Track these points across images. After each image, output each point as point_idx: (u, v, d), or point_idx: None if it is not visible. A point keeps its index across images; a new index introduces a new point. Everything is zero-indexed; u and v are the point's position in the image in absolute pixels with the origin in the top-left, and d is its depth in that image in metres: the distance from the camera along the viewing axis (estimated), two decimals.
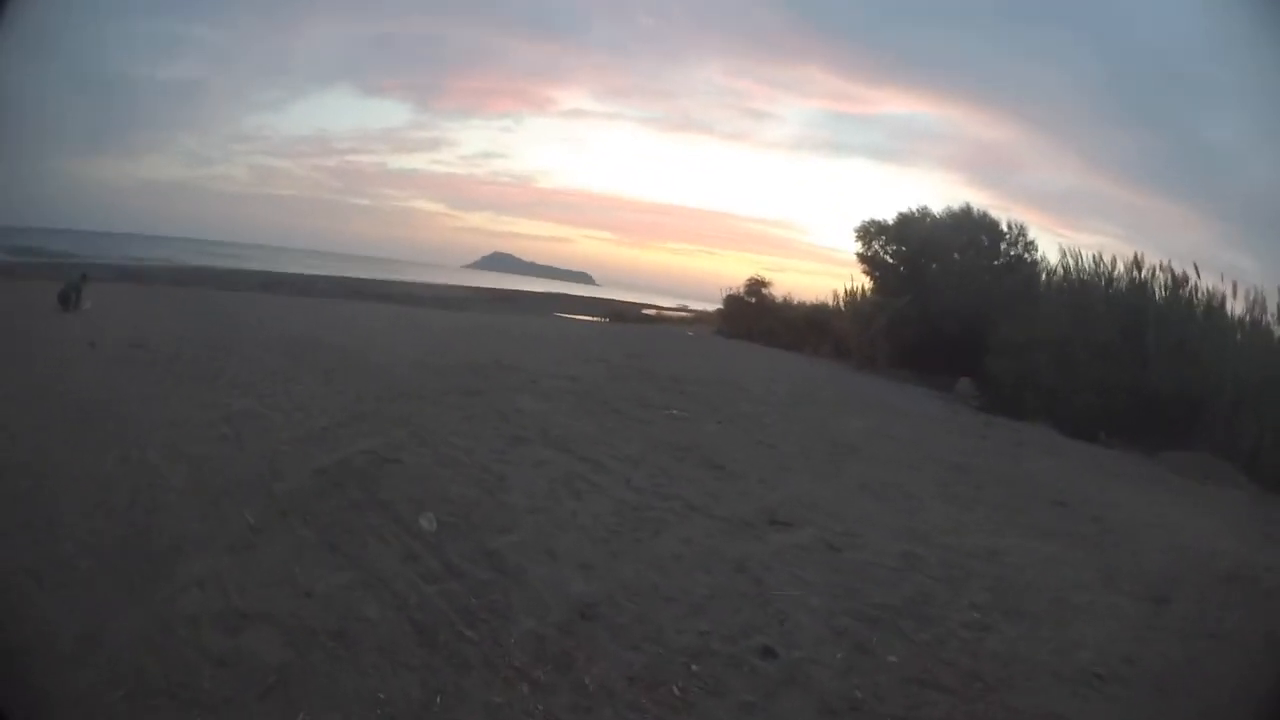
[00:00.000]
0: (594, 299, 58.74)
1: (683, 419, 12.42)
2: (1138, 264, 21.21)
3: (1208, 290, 19.49)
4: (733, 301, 34.15)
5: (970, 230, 26.78)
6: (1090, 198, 46.23)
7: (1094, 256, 22.73)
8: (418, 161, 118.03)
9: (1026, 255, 26.32)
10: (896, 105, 73.23)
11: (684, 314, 47.38)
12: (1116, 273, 21.85)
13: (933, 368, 23.33)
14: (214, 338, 15.21)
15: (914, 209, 28.58)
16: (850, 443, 12.22)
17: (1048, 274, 24.87)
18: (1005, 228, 26.67)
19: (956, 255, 26.42)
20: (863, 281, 29.68)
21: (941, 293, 24.51)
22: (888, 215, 29.04)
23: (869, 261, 29.19)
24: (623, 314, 45.22)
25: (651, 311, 48.95)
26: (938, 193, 66.02)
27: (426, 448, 9.00)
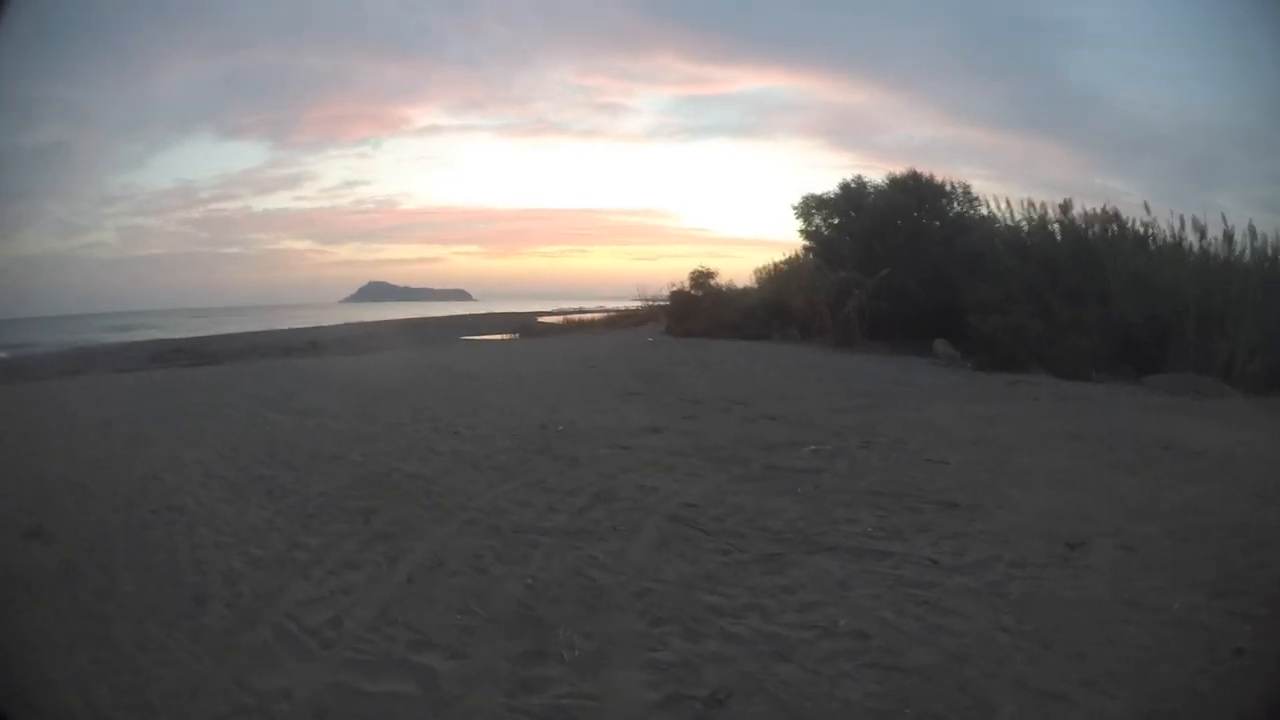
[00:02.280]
0: (490, 314, 56.82)
1: (833, 453, 10.68)
2: (1064, 207, 22.56)
3: (1140, 223, 20.95)
4: (679, 298, 32.83)
5: (919, 195, 26.64)
6: (954, 145, 48.77)
7: (1023, 203, 24.16)
8: (281, 200, 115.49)
9: (972, 212, 26.56)
10: (750, 82, 73.94)
11: (599, 316, 45.27)
12: (1048, 216, 23.15)
13: (900, 336, 23.66)
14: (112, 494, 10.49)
15: (850, 180, 28.30)
16: (988, 438, 11.63)
17: (994, 227, 25.21)
18: (949, 188, 26.72)
19: (911, 221, 26.18)
20: (802, 258, 30.21)
21: (906, 261, 24.61)
22: (808, 189, 29.00)
23: (812, 237, 29.12)
24: (530, 327, 43.94)
25: (558, 319, 46.70)
26: (799, 160, 65.27)
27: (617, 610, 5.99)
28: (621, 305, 56.93)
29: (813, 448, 10.75)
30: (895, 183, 26.91)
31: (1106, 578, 6.14)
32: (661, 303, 35.69)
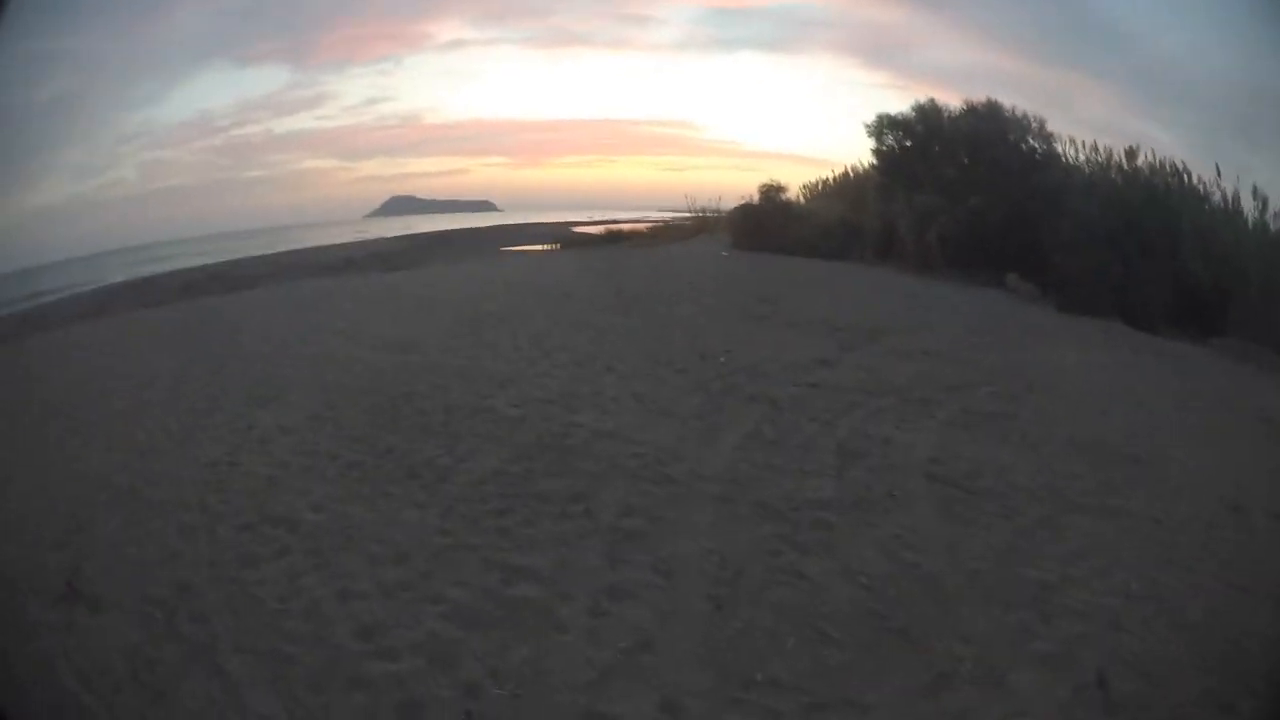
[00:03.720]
0: (521, 225, 54.24)
1: (1011, 396, 10.35)
2: (1130, 154, 21.30)
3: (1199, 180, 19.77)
4: (750, 211, 29.32)
5: (1000, 124, 24.33)
6: (989, 71, 42.78)
7: (1091, 146, 22.66)
8: (302, 121, 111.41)
9: (1045, 148, 24.15)
10: None
11: (638, 228, 42.97)
12: (1117, 162, 21.92)
13: (969, 265, 22.38)
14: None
15: (924, 101, 25.76)
16: (1136, 392, 11.20)
17: (1070, 167, 23.49)
18: (1030, 122, 24.28)
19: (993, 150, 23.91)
20: (869, 177, 27.21)
21: (985, 190, 22.75)
22: (885, 108, 26.17)
23: (884, 157, 26.32)
24: (568, 238, 40.17)
25: (594, 230, 44.33)
26: (830, 77, 62.50)
27: None
28: (656, 216, 54.80)
29: (987, 389, 10.27)
30: (972, 110, 24.64)
31: None
32: (711, 214, 33.03)
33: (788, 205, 29.22)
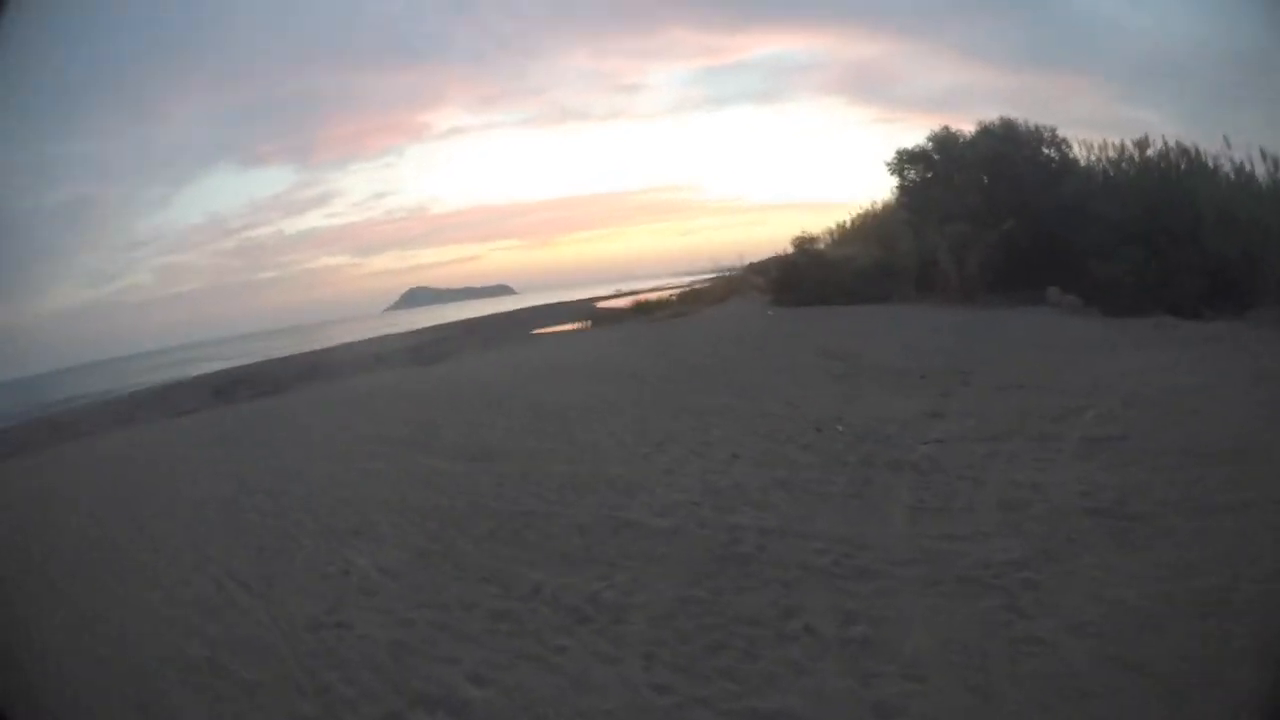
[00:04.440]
0: (543, 306, 53.49)
1: (1109, 417, 9.94)
2: (1141, 146, 21.64)
3: (1209, 157, 19.97)
4: (783, 265, 29.59)
5: (1014, 142, 24.83)
6: (973, 89, 45.85)
7: (1098, 144, 23.11)
8: (312, 220, 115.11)
9: (1059, 156, 24.72)
10: (765, 47, 70.29)
11: (663, 295, 41.74)
12: (1130, 155, 22.13)
13: (1007, 286, 22.63)
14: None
15: (938, 130, 26.43)
16: (1212, 388, 10.69)
17: (1085, 170, 23.76)
18: (1041, 133, 24.90)
19: (1013, 169, 24.35)
20: (893, 214, 28.26)
21: (1013, 210, 23.09)
22: (879, 142, 27.71)
23: (908, 191, 27.15)
24: (597, 314, 39.32)
25: (619, 303, 42.95)
26: (823, 119, 64.18)
27: None
28: (674, 281, 53.69)
29: (1090, 413, 10.00)
30: (987, 131, 25.05)
31: None
32: (733, 272, 34.29)
33: (820, 255, 28.96)
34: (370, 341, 41.16)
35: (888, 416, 10.65)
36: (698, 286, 39.34)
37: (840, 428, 10.34)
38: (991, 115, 25.15)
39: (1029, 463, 8.37)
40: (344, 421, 15.81)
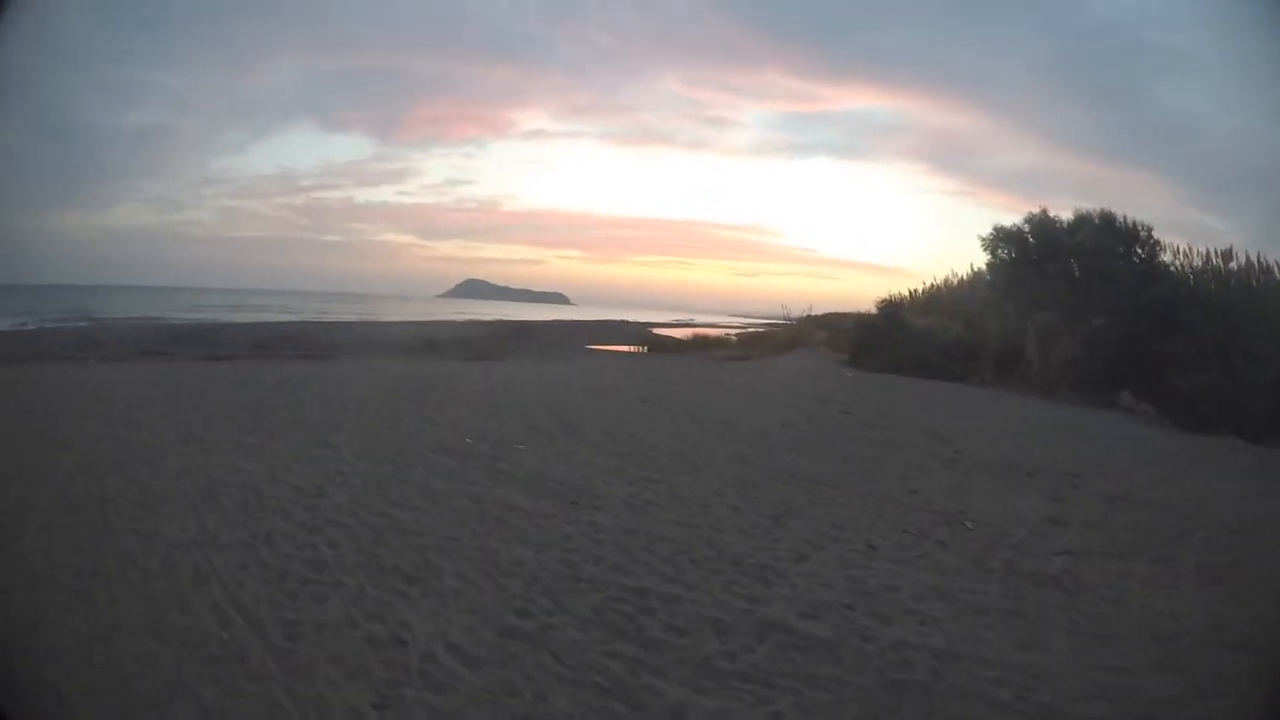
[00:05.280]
0: (597, 322, 51.86)
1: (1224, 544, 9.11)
2: (1225, 256, 21.46)
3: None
4: (868, 328, 28.37)
5: (1114, 237, 24.01)
6: (1053, 174, 46.73)
7: (1183, 250, 22.82)
8: (384, 194, 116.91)
9: (1154, 258, 24.03)
10: (854, 101, 70.65)
11: (724, 333, 40.27)
12: (1211, 265, 22.01)
13: (1084, 382, 21.63)
14: None
15: (1036, 212, 25.66)
16: None
17: (1177, 276, 23.09)
18: (1138, 231, 24.07)
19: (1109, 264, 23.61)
20: (982, 291, 27.19)
21: (1102, 306, 22.28)
22: (1004, 221, 26.60)
23: (998, 271, 26.25)
24: (654, 341, 38.44)
25: (678, 333, 41.30)
26: (902, 184, 64.00)
27: None
28: (732, 321, 52.14)
29: (1198, 536, 9.42)
30: (1084, 221, 24.30)
31: None
32: (799, 322, 33.22)
33: (904, 322, 27.51)
34: (423, 324, 39.85)
35: (1010, 517, 9.62)
36: (758, 330, 38.09)
37: (969, 524, 9.27)
38: (1067, 202, 24.60)
39: (1161, 590, 7.59)
40: (395, 414, 14.06)
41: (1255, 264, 20.35)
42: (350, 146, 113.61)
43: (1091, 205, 23.57)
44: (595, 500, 9.12)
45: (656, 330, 43.75)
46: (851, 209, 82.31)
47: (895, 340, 26.55)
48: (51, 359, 23.80)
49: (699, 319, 55.95)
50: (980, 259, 26.73)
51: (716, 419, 15.05)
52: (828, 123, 68.05)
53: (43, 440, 11.35)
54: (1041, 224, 24.70)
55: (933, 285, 30.42)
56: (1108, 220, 23.66)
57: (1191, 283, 21.85)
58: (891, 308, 28.21)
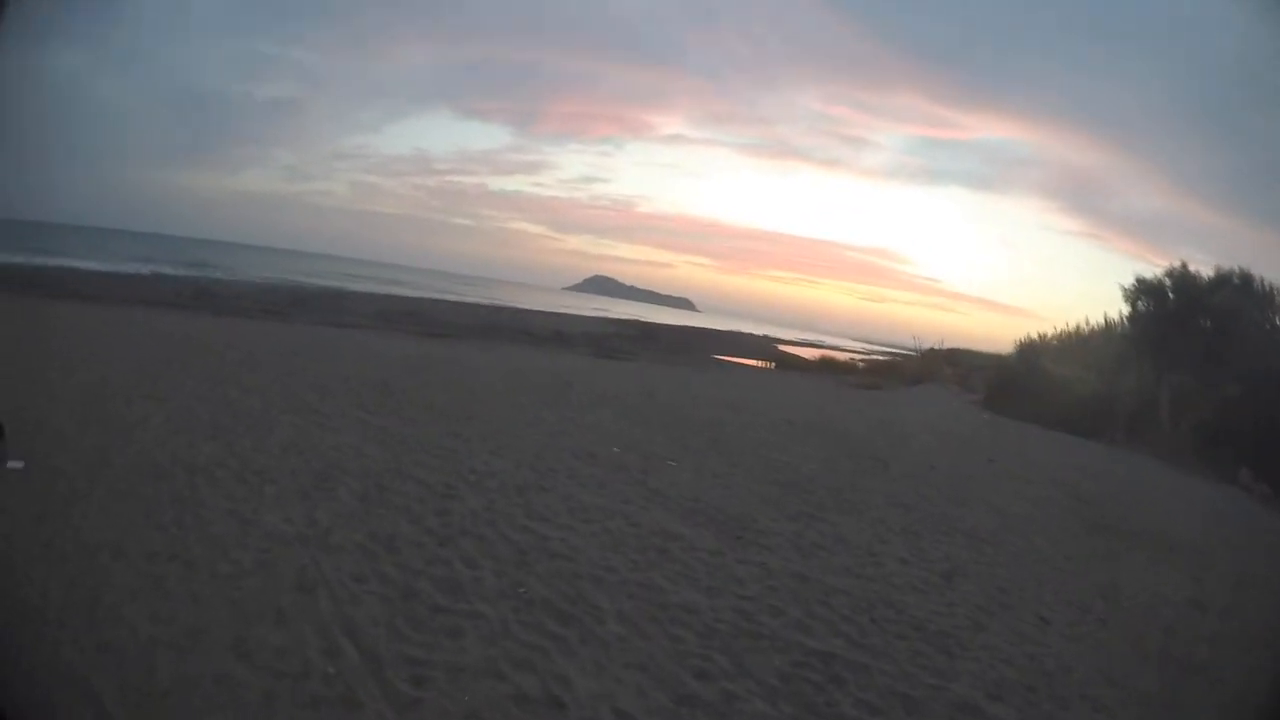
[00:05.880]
0: (722, 332, 50.86)
1: None
2: None
3: None
4: (1006, 372, 27.85)
5: (1251, 299, 23.02)
6: (1180, 222, 43.05)
7: None
8: (518, 183, 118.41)
9: None
10: (988, 130, 67.72)
11: (849, 357, 39.33)
12: None
13: (1214, 454, 19.98)
14: None
15: (1175, 265, 24.69)
16: None
17: None
18: (1273, 295, 22.86)
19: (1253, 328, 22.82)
20: (1119, 345, 25.53)
21: (1240, 373, 21.11)
22: (1145, 272, 27.18)
23: (1137, 323, 25.00)
24: (781, 358, 37.08)
25: (805, 354, 40.31)
26: (1032, 221, 62.30)
27: None
28: (856, 346, 51.15)
29: None
30: (1224, 281, 23.17)
31: None
32: (926, 354, 32.95)
33: (1042, 369, 26.59)
34: (549, 315, 39.22)
35: (1157, 595, 9.04)
36: (884, 358, 37.11)
37: (1123, 602, 8.74)
38: (1194, 253, 23.72)
39: None
40: (531, 409, 13.08)
41: None
42: (487, 135, 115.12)
43: (1225, 260, 22.61)
44: (760, 537, 8.09)
45: (781, 346, 42.76)
46: (979, 242, 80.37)
47: (1033, 388, 25.52)
48: (163, 305, 23.78)
49: (823, 340, 54.85)
50: (1109, 307, 26.37)
51: (866, 454, 13.98)
52: (960, 151, 66.57)
53: (134, 389, 10.76)
54: (1183, 279, 23.71)
55: (1065, 332, 28.67)
56: (1246, 281, 22.63)
57: None
58: (1030, 353, 27.14)
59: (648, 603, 5.84)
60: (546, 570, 6.23)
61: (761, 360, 34.68)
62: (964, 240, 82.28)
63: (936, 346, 36.41)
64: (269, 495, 7.37)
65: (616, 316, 49.26)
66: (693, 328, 50.75)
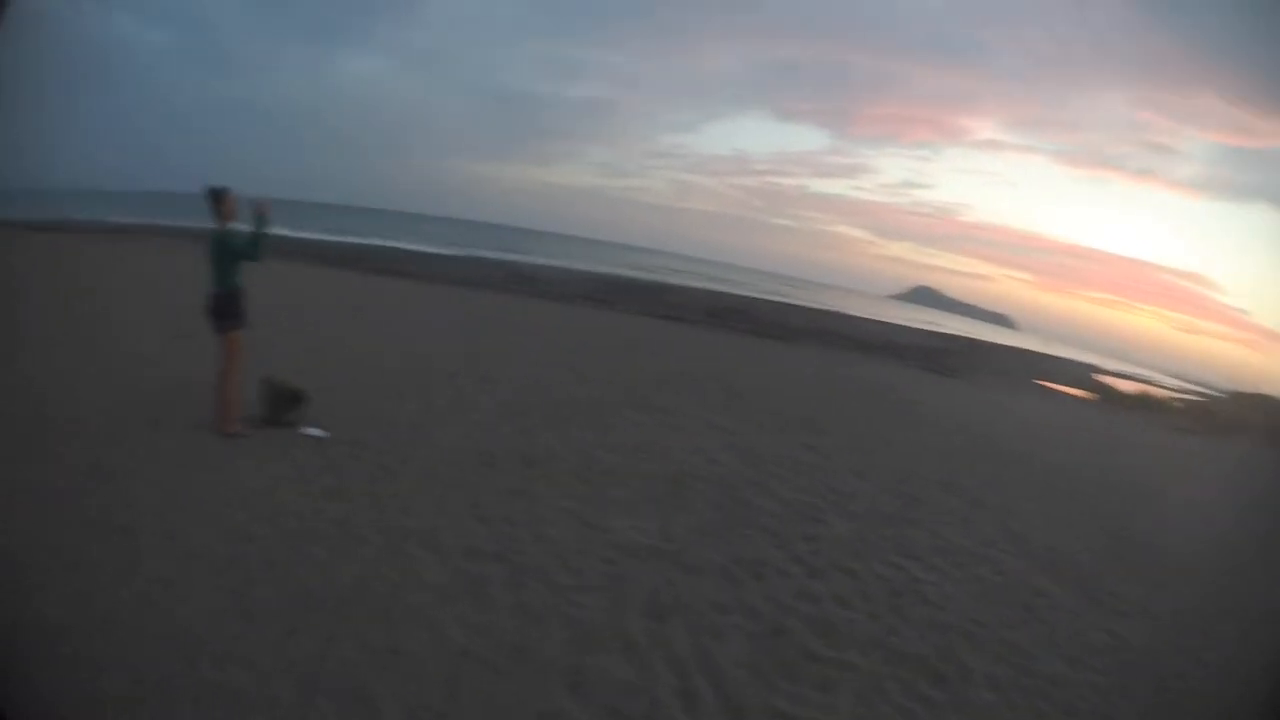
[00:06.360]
0: (1044, 355, 48.22)
1: None
2: None
3: None
4: None
5: None
6: None
7: None
8: (838, 187, 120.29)
9: None
10: None
11: (1173, 395, 36.72)
12: None
13: None
14: None
15: None
16: None
17: None
18: None
19: None
20: None
21: None
22: None
23: None
24: (1107, 391, 34.00)
25: (1127, 387, 37.89)
26: None
27: None
28: (1172, 383, 48.25)
29: None
30: None
31: None
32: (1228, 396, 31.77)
33: None
34: (876, 324, 38.24)
35: None
36: (1196, 398, 34.44)
37: None
38: None
39: None
40: (880, 425, 12.55)
41: None
42: (803, 137, 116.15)
43: None
44: (1113, 600, 7.02)
45: (1099, 376, 40.42)
46: None
47: None
48: (479, 286, 24.92)
49: (1137, 372, 51.83)
50: None
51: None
52: (1268, 161, 62.70)
53: (461, 369, 11.22)
54: None
55: None
56: None
57: None
58: None
59: (1014, 668, 5.34)
60: (919, 618, 5.79)
61: (1083, 390, 32.30)
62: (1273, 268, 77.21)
63: (1246, 390, 33.89)
64: (616, 499, 7.16)
65: (943, 330, 47.92)
66: (1013, 348, 48.64)
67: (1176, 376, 52.12)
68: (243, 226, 7.48)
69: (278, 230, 8.20)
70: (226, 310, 7.65)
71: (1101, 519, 9.85)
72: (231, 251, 7.49)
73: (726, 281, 55.32)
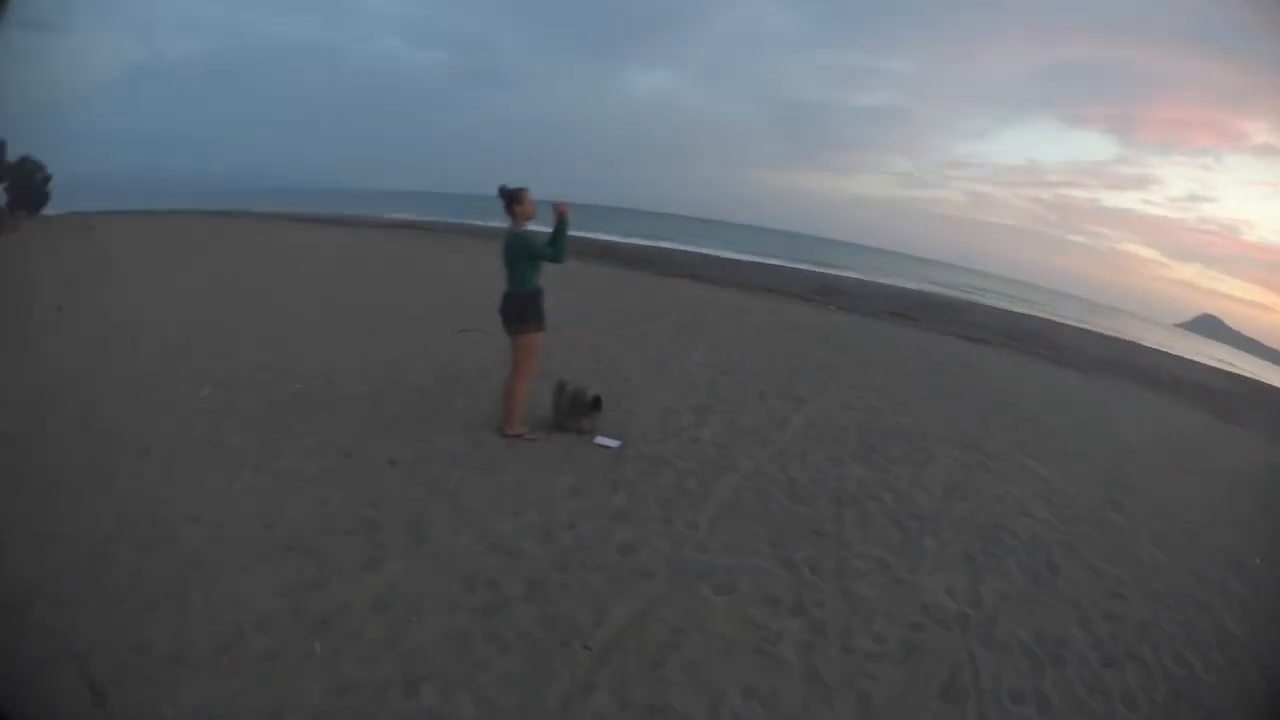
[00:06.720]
0: None
1: None
2: None
3: None
4: None
5: None
6: None
7: None
8: (1128, 200, 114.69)
9: None
10: None
11: None
12: None
13: None
14: None
15: None
16: None
17: None
18: None
19: None
20: None
21: None
22: None
23: None
24: None
25: None
26: None
27: None
28: None
29: None
30: None
31: None
32: None
33: None
34: (1165, 356, 35.59)
35: None
36: None
37: None
38: None
39: None
40: (1195, 484, 10.56)
41: None
42: (1091, 144, 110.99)
43: None
44: None
45: None
46: None
47: None
48: (788, 296, 24.65)
49: None
50: None
51: None
52: None
53: (769, 385, 10.85)
54: None
55: None
56: None
57: None
58: None
59: None
60: None
61: None
62: None
63: None
64: (928, 551, 6.48)
65: (1228, 370, 44.58)
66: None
67: None
68: (537, 228, 7.44)
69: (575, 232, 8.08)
70: (521, 312, 7.58)
71: None
72: (530, 252, 7.37)
73: (1024, 301, 53.34)
